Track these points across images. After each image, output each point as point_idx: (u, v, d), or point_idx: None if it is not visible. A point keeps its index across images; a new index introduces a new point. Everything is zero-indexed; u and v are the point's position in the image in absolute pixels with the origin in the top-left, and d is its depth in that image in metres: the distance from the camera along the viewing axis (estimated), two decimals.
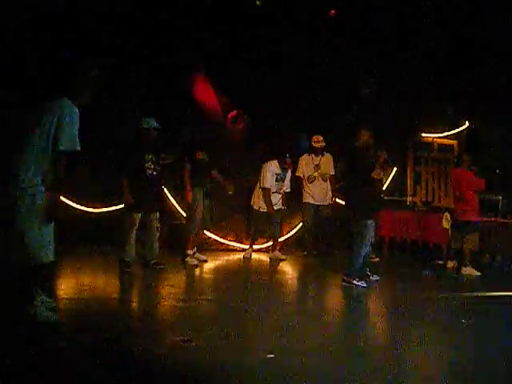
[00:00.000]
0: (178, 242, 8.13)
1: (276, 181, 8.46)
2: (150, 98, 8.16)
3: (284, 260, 8.37)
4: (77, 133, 4.05)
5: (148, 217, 6.67)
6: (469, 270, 7.64)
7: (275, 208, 8.46)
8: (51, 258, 4.11)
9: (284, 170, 8.49)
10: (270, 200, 8.39)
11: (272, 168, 8.44)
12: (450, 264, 8.20)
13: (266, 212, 8.47)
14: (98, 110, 7.87)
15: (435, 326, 4.80)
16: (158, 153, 6.79)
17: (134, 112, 7.65)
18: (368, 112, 9.21)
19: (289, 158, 8.44)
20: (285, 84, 9.04)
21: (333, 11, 9.47)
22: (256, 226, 8.67)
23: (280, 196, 8.55)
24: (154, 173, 6.70)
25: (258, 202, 8.51)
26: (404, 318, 5.00)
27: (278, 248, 8.61)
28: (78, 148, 4.05)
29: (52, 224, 4.10)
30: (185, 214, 8.18)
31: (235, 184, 8.19)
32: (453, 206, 8.13)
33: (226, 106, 9.24)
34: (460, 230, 7.92)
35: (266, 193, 8.40)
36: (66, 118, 3.99)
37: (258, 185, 8.55)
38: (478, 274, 7.58)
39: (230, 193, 7.86)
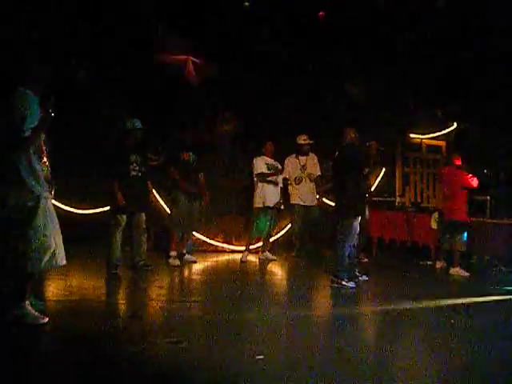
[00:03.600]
0: (167, 243, 8.12)
1: (268, 169, 8.40)
2: (138, 99, 8.12)
3: (274, 260, 8.38)
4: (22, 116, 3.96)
5: (134, 218, 6.64)
6: (457, 271, 7.67)
7: (270, 204, 8.32)
8: (60, 262, 4.09)
9: (270, 157, 8.47)
10: (270, 174, 8.34)
11: (259, 159, 8.44)
12: (439, 264, 8.23)
13: (265, 208, 8.35)
14: (86, 111, 7.92)
15: (424, 326, 4.83)
16: (144, 154, 6.75)
17: (122, 113, 7.62)
18: (357, 112, 9.25)
19: (267, 142, 8.47)
20: (274, 84, 9.04)
21: (321, 13, 9.48)
22: (256, 226, 8.46)
23: (276, 190, 8.44)
24: (139, 174, 6.66)
25: (258, 200, 8.39)
26: (393, 319, 5.02)
27: (267, 248, 8.61)
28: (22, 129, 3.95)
29: (53, 228, 4.07)
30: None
31: (224, 186, 8.23)
32: (441, 206, 8.17)
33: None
34: (449, 230, 7.96)
35: (263, 176, 8.34)
36: (29, 107, 3.99)
37: (255, 184, 8.48)
38: (467, 274, 7.61)
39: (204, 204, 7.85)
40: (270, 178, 8.35)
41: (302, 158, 8.67)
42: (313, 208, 8.66)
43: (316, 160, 8.70)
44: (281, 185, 8.56)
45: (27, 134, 3.91)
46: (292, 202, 8.71)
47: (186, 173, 7.48)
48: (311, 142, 8.62)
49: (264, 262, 8.28)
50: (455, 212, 7.79)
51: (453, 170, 7.98)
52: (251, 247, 8.87)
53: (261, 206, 8.34)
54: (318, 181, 8.62)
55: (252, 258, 8.59)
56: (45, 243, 3.99)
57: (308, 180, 8.64)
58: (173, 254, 7.56)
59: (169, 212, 8.22)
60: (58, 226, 4.14)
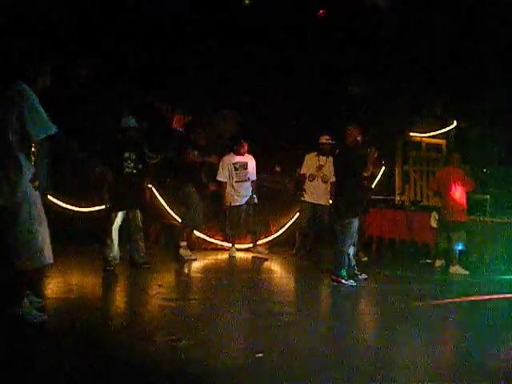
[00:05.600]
0: (167, 241, 8.12)
1: (235, 169, 8.49)
2: (138, 97, 8.11)
3: (267, 256, 8.46)
4: (45, 116, 3.96)
5: (129, 215, 6.63)
6: (456, 269, 7.68)
7: (241, 202, 8.49)
8: (47, 261, 4.08)
9: (241, 155, 8.53)
10: (225, 191, 8.46)
11: (226, 160, 8.50)
12: (438, 263, 8.24)
13: (237, 206, 8.48)
14: (84, 106, 7.90)
15: (423, 324, 4.83)
16: (140, 151, 6.72)
17: (120, 110, 7.59)
18: (357, 111, 9.24)
19: (243, 141, 8.53)
20: (273, 83, 9.03)
21: (322, 11, 9.47)
22: (231, 223, 8.60)
23: (247, 184, 8.56)
24: (134, 171, 6.60)
25: (228, 197, 8.52)
26: (393, 317, 5.02)
27: (256, 244, 8.70)
28: (55, 130, 3.97)
29: (43, 227, 4.06)
30: (175, 215, 8.15)
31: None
32: (440, 205, 8.16)
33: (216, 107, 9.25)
34: (447, 229, 7.96)
35: (220, 185, 8.47)
36: (29, 105, 3.91)
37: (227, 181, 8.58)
38: (466, 272, 7.62)
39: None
40: (236, 179, 8.47)
41: (322, 158, 8.65)
42: (322, 208, 8.64)
43: None
44: (253, 178, 8.60)
45: (25, 133, 3.89)
46: (302, 198, 8.72)
47: (194, 170, 7.48)
48: (333, 142, 8.58)
49: (258, 260, 8.29)
50: (454, 213, 7.79)
51: (452, 170, 7.98)
52: (249, 245, 8.94)
53: (229, 204, 8.50)
54: (332, 186, 8.55)
55: (250, 256, 8.60)
56: (32, 241, 3.98)
57: (321, 180, 8.63)
58: (183, 244, 7.55)
59: (171, 212, 8.28)
60: (45, 224, 4.11)
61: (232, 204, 8.49)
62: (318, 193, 8.63)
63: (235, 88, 8.90)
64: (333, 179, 8.43)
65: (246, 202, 8.53)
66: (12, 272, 4.07)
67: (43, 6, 7.49)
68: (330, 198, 8.60)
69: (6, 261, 4.03)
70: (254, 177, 8.63)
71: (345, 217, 6.36)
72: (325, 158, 8.64)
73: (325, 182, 8.61)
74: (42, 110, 3.96)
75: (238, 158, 8.54)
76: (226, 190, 8.51)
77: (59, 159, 4.62)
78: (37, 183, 4.05)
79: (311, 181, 8.65)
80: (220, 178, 8.50)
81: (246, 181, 8.55)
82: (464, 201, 7.84)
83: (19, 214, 3.92)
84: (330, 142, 8.55)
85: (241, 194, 8.51)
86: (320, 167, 8.64)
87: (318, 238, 8.88)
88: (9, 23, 7.23)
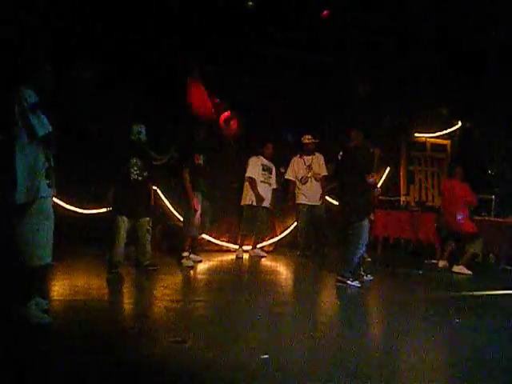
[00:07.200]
0: (172, 243, 8.13)
1: (263, 170, 8.59)
2: (142, 101, 8.11)
3: (264, 257, 8.54)
4: (41, 115, 4.01)
5: (137, 220, 6.63)
6: (460, 269, 7.67)
7: (264, 205, 8.53)
8: (47, 260, 4.10)
9: (269, 160, 8.66)
10: (257, 189, 8.47)
11: (256, 159, 8.60)
12: (442, 263, 8.24)
13: (256, 207, 8.48)
14: (91, 111, 7.91)
15: (429, 325, 4.82)
16: (146, 158, 6.71)
17: (127, 115, 7.58)
18: (362, 111, 9.23)
19: (269, 143, 8.64)
20: (278, 84, 9.03)
21: (326, 12, 9.46)
22: (246, 224, 8.60)
23: (270, 188, 8.66)
24: (139, 178, 6.57)
25: (246, 198, 8.55)
26: (398, 318, 5.01)
27: (256, 246, 8.75)
28: (50, 129, 4.02)
29: (49, 225, 4.08)
30: (180, 217, 8.16)
31: (228, 185, 8.28)
32: (445, 218, 8.15)
33: (218, 106, 9.22)
34: (455, 238, 8.00)
35: (252, 182, 8.48)
36: (26, 105, 3.97)
37: (246, 181, 8.61)
38: (470, 272, 7.62)
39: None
40: (262, 179, 8.56)
41: (307, 158, 8.73)
42: (318, 207, 8.68)
43: (322, 160, 8.74)
44: (274, 186, 8.74)
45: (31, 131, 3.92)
46: (297, 201, 8.75)
47: (197, 174, 7.46)
48: (316, 141, 8.69)
49: (268, 261, 8.30)
50: (462, 224, 7.81)
51: (456, 184, 7.99)
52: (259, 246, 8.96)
53: (250, 203, 8.51)
54: (323, 181, 8.66)
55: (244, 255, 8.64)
56: (40, 241, 4.01)
57: (313, 179, 8.67)
58: (185, 254, 7.47)
59: (176, 214, 8.30)
60: (52, 226, 4.15)
61: (249, 204, 8.53)
62: (313, 194, 8.68)
63: (235, 88, 8.90)
64: (324, 173, 8.57)
65: (264, 206, 8.57)
66: (19, 272, 4.09)
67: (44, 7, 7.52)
68: (322, 194, 8.67)
69: (14, 261, 4.06)
70: (274, 185, 8.76)
71: (355, 220, 6.34)
72: (310, 157, 8.70)
73: (317, 180, 8.66)
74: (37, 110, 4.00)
75: (265, 161, 8.66)
76: (245, 189, 8.58)
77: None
78: (51, 182, 4.10)
79: (304, 183, 8.70)
80: (251, 174, 8.53)
81: (269, 184, 8.65)
82: (468, 211, 7.88)
83: (31, 214, 3.98)
84: (313, 140, 8.65)
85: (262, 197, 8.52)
86: (309, 167, 8.69)
87: (321, 238, 8.89)
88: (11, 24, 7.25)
